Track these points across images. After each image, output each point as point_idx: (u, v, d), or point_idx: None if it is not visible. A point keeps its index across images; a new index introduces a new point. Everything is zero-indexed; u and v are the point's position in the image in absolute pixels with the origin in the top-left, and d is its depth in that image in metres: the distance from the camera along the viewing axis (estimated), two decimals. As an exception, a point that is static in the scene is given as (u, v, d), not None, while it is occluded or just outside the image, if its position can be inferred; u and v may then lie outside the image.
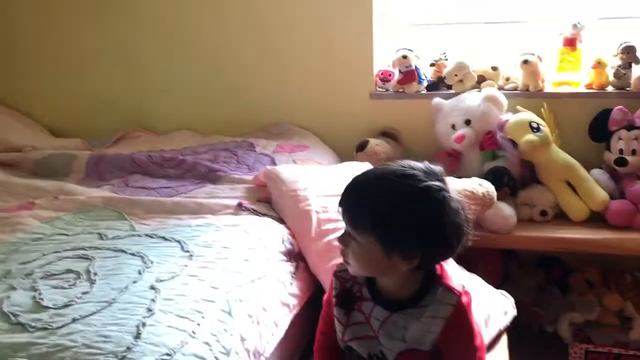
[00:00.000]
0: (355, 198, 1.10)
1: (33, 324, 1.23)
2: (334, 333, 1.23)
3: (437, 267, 1.17)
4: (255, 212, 1.81)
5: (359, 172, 1.16)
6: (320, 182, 1.85)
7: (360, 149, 2.30)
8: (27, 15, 2.76)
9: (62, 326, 1.21)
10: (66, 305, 1.28)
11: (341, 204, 1.11)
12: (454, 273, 1.49)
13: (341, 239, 1.12)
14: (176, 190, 2.00)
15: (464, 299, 1.14)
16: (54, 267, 1.46)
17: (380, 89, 2.46)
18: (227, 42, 2.58)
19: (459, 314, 1.13)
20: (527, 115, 2.14)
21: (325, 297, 1.28)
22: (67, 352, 1.14)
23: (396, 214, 1.05)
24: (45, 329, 1.21)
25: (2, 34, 2.82)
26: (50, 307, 1.28)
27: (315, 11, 2.45)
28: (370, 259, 1.09)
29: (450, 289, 1.13)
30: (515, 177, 2.13)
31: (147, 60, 2.68)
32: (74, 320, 1.23)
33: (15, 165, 2.34)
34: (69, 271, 1.44)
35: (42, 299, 1.31)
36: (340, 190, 1.13)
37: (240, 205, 1.82)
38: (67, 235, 1.67)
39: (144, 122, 2.75)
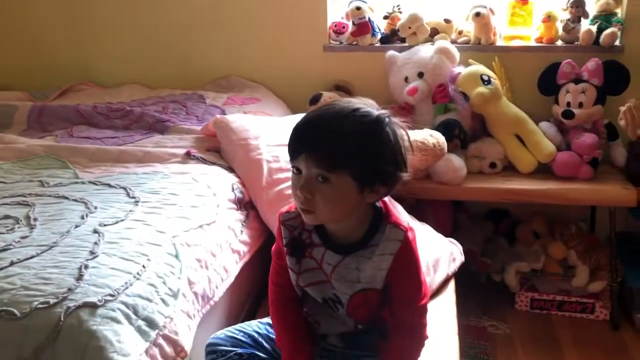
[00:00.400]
0: (321, 139, 1.06)
1: (-32, 268, 1.18)
2: (288, 282, 1.23)
3: (383, 205, 1.17)
4: (205, 161, 1.78)
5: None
6: (272, 132, 1.83)
7: (313, 102, 2.26)
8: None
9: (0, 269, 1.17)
10: (3, 250, 1.24)
11: (301, 149, 1.07)
12: (400, 211, 1.51)
13: (306, 187, 1.06)
14: (123, 140, 1.94)
15: (410, 234, 1.15)
16: (-9, 214, 1.40)
17: (333, 42, 2.43)
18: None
19: (406, 249, 1.14)
20: (479, 68, 2.16)
21: (274, 247, 1.27)
22: (4, 294, 1.11)
23: (365, 145, 1.06)
24: (-20, 272, 1.17)
25: None
26: (-14, 251, 1.23)
27: (266, -40, 2.40)
28: (343, 198, 1.07)
29: (397, 225, 1.14)
30: (466, 130, 2.15)
31: (89, 9, 2.57)
32: (12, 263, 1.19)
33: None
34: (6, 217, 1.38)
35: (-19, 246, 1.25)
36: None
37: (188, 153, 1.79)
38: (5, 183, 1.60)
39: (88, 76, 2.65)
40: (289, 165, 1.13)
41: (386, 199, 1.18)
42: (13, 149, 1.77)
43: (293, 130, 1.10)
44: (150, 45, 2.57)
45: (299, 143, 1.08)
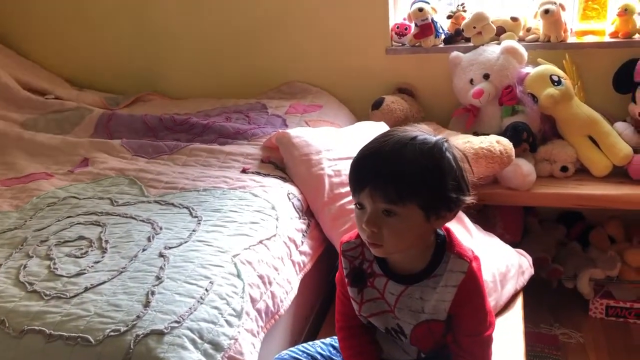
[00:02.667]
0: (383, 173, 1.05)
1: (47, 292, 1.25)
2: (352, 311, 1.23)
3: (446, 233, 1.15)
4: (260, 174, 1.80)
5: (371, 136, 1.14)
6: (334, 145, 1.83)
7: (375, 107, 2.25)
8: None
9: (75, 295, 1.24)
10: (78, 274, 1.31)
11: (364, 184, 1.06)
12: (462, 237, 1.48)
13: (371, 221, 1.05)
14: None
15: (474, 265, 1.12)
16: (68, 234, 1.48)
17: (396, 44, 2.39)
18: (236, 1, 2.51)
19: (470, 280, 1.11)
20: (548, 68, 2.06)
21: (337, 275, 1.27)
22: (80, 321, 1.17)
23: (428, 173, 1.05)
24: (59, 297, 1.24)
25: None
26: (63, 276, 1.30)
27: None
28: (411, 229, 1.07)
29: (460, 256, 1.12)
30: (534, 133, 2.07)
31: (161, 20, 2.63)
32: (86, 289, 1.25)
33: (33, 107, 2.37)
34: (81, 238, 1.46)
35: (56, 268, 1.33)
36: (354, 153, 1.11)
37: (244, 171, 1.81)
38: (78, 199, 1.69)
39: (156, 85, 2.73)
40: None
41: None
42: (90, 172, 1.86)
43: (352, 165, 1.10)
44: (215, 54, 2.61)
45: (360, 179, 1.08)
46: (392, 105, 2.24)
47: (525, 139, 2.03)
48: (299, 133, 1.84)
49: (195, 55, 2.64)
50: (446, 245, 1.14)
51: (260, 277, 1.41)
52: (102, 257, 1.37)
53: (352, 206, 1.58)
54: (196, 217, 1.53)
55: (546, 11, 2.11)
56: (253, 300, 1.35)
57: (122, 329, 1.14)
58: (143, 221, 1.51)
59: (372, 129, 1.96)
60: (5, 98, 2.39)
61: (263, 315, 1.38)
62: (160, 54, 2.68)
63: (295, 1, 2.44)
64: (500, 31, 2.24)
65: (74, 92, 2.58)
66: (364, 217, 1.07)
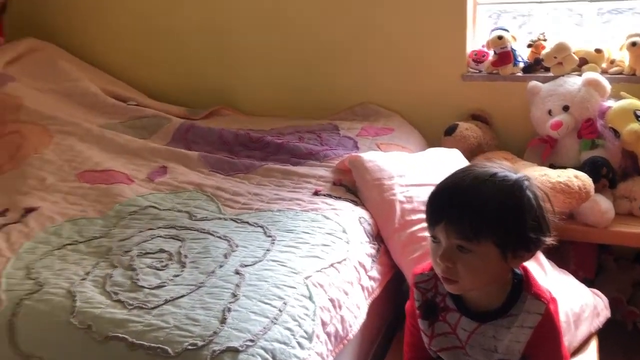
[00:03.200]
0: (460, 208, 1.05)
1: (130, 302, 1.31)
2: (421, 343, 1.22)
3: (523, 272, 1.14)
4: (331, 197, 1.82)
5: (444, 163, 1.14)
6: (406, 171, 1.83)
7: (448, 133, 2.24)
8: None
9: (156, 307, 1.29)
10: (159, 287, 1.36)
11: (440, 218, 1.06)
12: (539, 277, 1.45)
13: (446, 256, 1.05)
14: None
15: (552, 307, 1.10)
16: (149, 246, 1.55)
17: (472, 70, 2.38)
18: (314, 22, 2.57)
19: (547, 323, 1.09)
20: (632, 103, 2.00)
21: (407, 305, 1.27)
22: (160, 332, 1.22)
23: (506, 212, 1.05)
24: (141, 307, 1.29)
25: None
26: (145, 287, 1.36)
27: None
28: (487, 267, 1.06)
29: (538, 297, 1.10)
30: (614, 169, 2.01)
31: (239, 38, 2.72)
32: (166, 301, 1.30)
33: (113, 112, 2.48)
34: (162, 251, 1.52)
35: (138, 279, 1.39)
36: (426, 180, 1.12)
37: (316, 193, 1.83)
38: (159, 209, 1.76)
39: (231, 101, 2.82)
40: (423, 207, 1.13)
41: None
42: (169, 183, 1.94)
43: (429, 198, 1.10)
44: (289, 72, 2.67)
45: (436, 213, 1.08)
46: (465, 132, 2.22)
47: (605, 175, 1.97)
48: (372, 157, 1.85)
49: (270, 73, 2.71)
50: (523, 285, 1.12)
51: (331, 300, 1.43)
52: (182, 271, 1.42)
53: (423, 234, 1.59)
54: (270, 236, 1.57)
55: (633, 44, 2.05)
56: (323, 324, 1.37)
57: (200, 343, 1.18)
58: (220, 238, 1.56)
59: (444, 156, 1.96)
60: (92, 105, 2.51)
61: (332, 339, 1.39)
62: (236, 70, 2.77)
63: (374, 24, 2.47)
64: (582, 62, 2.19)
65: (154, 102, 2.70)
66: (438, 251, 1.07)
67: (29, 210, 1.78)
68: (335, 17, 2.52)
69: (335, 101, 2.62)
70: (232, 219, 1.68)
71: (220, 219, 1.69)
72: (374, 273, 1.66)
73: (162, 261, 1.47)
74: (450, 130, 2.24)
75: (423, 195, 1.35)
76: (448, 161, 1.88)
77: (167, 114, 2.55)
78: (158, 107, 2.64)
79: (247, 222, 1.65)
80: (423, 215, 1.14)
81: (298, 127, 2.41)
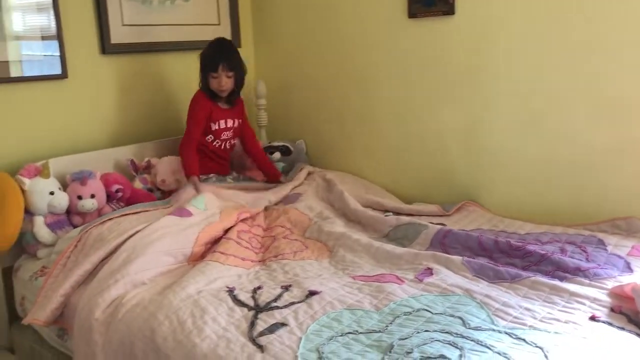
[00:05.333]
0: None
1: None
2: None
3: None
4: (613, 326, 1.74)
5: None
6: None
7: None
8: (386, 89, 3.14)
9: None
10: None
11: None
12: None
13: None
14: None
15: None
16: (430, 350, 1.62)
17: None
18: (578, 127, 2.54)
19: None
20: None
21: None
22: None
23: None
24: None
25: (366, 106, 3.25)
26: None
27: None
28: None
29: None
30: None
31: (492, 138, 2.79)
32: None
33: (370, 225, 2.66)
34: (442, 357, 1.58)
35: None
36: None
37: (592, 318, 1.77)
38: (431, 312, 1.83)
39: (476, 196, 2.88)
40: None
41: None
42: (438, 285, 2.02)
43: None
44: (543, 175, 2.66)
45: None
46: None
47: None
48: (658, 288, 1.75)
49: (522, 173, 2.72)
50: None
51: None
52: (469, 385, 1.47)
53: None
54: (550, 360, 1.55)
55: None
56: None
57: None
58: (498, 354, 1.58)
59: None
60: (357, 221, 2.74)
61: None
62: (485, 166, 2.83)
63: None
64: None
65: (409, 207, 2.89)
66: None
67: (313, 293, 1.98)
68: (600, 123, 2.47)
69: (591, 209, 2.53)
70: (506, 333, 1.70)
71: (494, 330, 1.72)
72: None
73: (444, 368, 1.53)
74: None
75: None
76: None
77: (423, 212, 2.72)
78: (413, 209, 2.80)
79: (524, 340, 1.65)
80: None
81: (557, 236, 2.37)
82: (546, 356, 1.58)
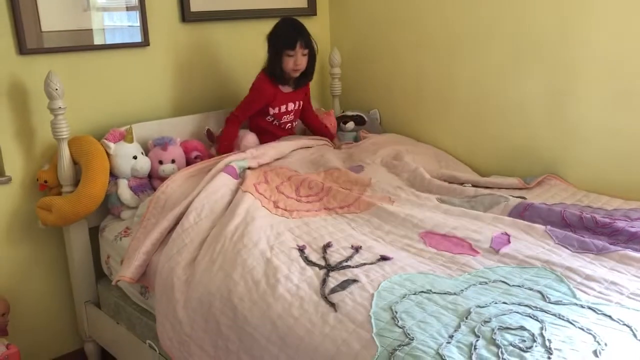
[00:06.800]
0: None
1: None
2: None
3: None
4: None
5: None
6: None
7: None
8: (465, 58, 3.03)
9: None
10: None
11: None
12: None
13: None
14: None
15: None
16: (508, 320, 1.57)
17: None
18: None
19: None
20: None
21: None
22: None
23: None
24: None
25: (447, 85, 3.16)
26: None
27: None
28: None
29: None
30: None
31: (579, 109, 2.65)
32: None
33: (449, 193, 2.60)
34: (522, 328, 1.53)
35: (505, 358, 1.42)
36: None
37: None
38: (508, 284, 1.78)
39: (559, 170, 2.76)
40: None
41: None
42: (515, 257, 1.95)
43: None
44: (630, 154, 2.51)
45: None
46: None
47: None
48: None
49: (608, 149, 2.57)
50: None
51: None
52: (549, 357, 1.42)
53: None
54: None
55: None
56: None
57: None
58: (582, 329, 1.52)
59: None
60: (429, 190, 2.64)
61: None
62: (570, 139, 2.69)
63: None
64: None
65: (488, 179, 2.79)
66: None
67: (384, 258, 1.97)
68: None
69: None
70: (590, 308, 1.63)
71: (576, 305, 1.65)
72: None
73: (525, 341, 1.48)
74: None
75: None
76: None
77: (502, 185, 2.64)
78: (492, 182, 2.71)
79: (610, 317, 1.58)
80: None
81: (646, 212, 2.23)
82: (635, 335, 1.50)
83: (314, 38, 2.91)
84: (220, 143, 2.92)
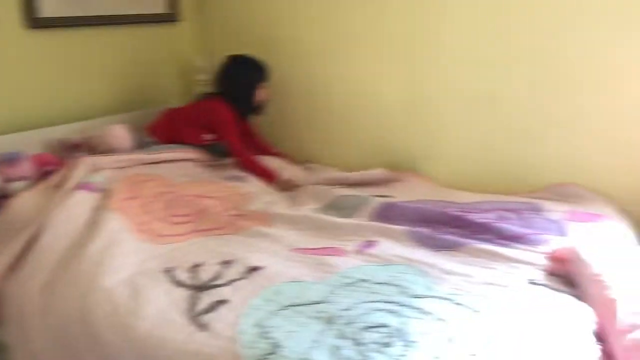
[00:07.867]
0: None
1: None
2: None
3: None
4: (549, 288, 1.78)
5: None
6: (627, 267, 1.75)
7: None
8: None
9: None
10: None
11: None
12: None
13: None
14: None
15: None
16: (370, 318, 1.63)
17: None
18: (522, 96, 2.56)
19: None
20: None
21: None
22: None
23: None
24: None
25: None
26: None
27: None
28: None
29: None
30: None
31: (438, 108, 2.79)
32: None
33: (316, 197, 2.62)
34: (384, 325, 1.59)
35: (367, 355, 1.46)
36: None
37: (531, 282, 1.81)
38: (373, 282, 1.84)
39: (420, 166, 2.89)
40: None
41: None
42: (377, 256, 2.02)
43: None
44: (490, 145, 2.68)
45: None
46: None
47: None
48: (591, 250, 1.80)
49: (464, 143, 2.74)
50: None
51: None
52: (407, 349, 1.48)
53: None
54: (491, 324, 1.58)
55: None
56: None
57: None
58: (439, 319, 1.61)
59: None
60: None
61: None
62: (430, 135, 2.83)
63: (580, 100, 2.41)
64: None
65: (355, 174, 2.86)
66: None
67: (255, 269, 1.95)
68: (543, 94, 2.51)
69: (531, 177, 2.58)
70: (446, 299, 1.72)
71: (434, 297, 1.74)
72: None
73: (387, 337, 1.54)
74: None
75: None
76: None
77: (369, 179, 2.73)
78: (358, 177, 2.80)
79: (463, 305, 1.67)
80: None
81: (495, 204, 2.40)
82: (484, 319, 1.61)
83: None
84: (265, 178, 2.80)
